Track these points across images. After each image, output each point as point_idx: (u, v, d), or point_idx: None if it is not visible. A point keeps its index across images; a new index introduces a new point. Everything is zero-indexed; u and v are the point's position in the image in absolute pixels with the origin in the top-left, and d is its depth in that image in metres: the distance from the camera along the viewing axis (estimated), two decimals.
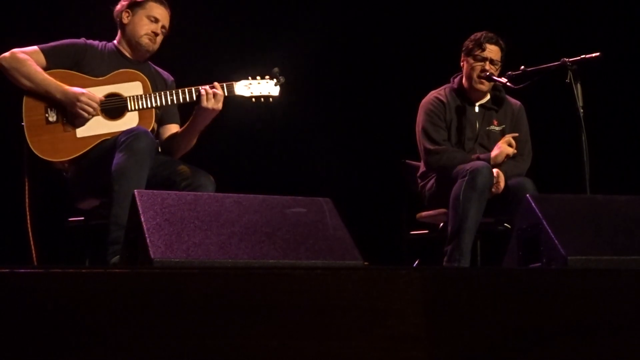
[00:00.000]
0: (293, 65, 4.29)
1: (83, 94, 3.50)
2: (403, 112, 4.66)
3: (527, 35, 5.35)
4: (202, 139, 3.76)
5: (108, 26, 3.79)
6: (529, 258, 2.81)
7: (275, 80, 3.72)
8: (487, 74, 4.17)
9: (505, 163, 4.05)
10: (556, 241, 2.64)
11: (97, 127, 3.53)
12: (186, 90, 3.60)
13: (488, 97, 4.31)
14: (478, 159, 4.04)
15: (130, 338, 2.02)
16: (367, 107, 5.68)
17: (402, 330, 2.21)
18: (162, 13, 3.74)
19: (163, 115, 3.75)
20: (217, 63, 4.97)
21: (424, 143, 4.20)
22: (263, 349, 2.10)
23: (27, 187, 3.53)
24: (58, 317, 1.98)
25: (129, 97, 3.58)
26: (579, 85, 3.80)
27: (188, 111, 3.69)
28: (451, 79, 4.37)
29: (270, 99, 3.73)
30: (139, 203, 2.42)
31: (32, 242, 3.48)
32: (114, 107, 3.57)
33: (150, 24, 3.71)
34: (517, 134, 4.13)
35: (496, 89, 4.30)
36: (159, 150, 3.64)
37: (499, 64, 4.24)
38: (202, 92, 3.57)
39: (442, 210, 4.13)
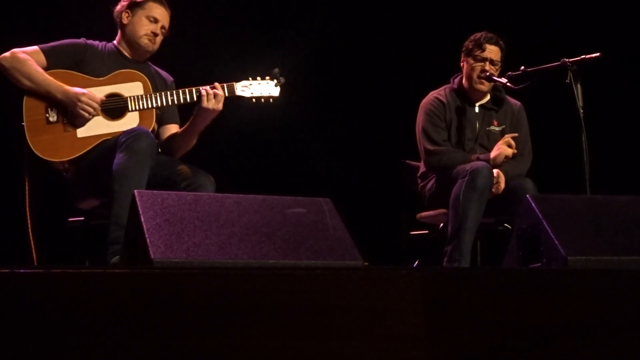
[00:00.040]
0: (293, 66, 4.29)
1: (84, 94, 3.50)
2: (403, 112, 4.66)
3: (527, 35, 5.35)
4: (202, 139, 3.76)
5: (108, 26, 3.79)
6: (529, 258, 2.81)
7: (275, 80, 3.73)
8: (487, 74, 4.17)
9: (505, 163, 4.05)
10: (556, 241, 2.65)
11: (98, 127, 3.53)
12: (187, 90, 3.60)
13: (488, 97, 4.31)
14: (478, 159, 4.04)
15: (130, 338, 2.02)
16: (367, 107, 5.68)
17: (402, 330, 2.21)
18: (161, 13, 3.74)
19: (163, 116, 3.75)
20: (218, 63, 4.97)
21: (424, 143, 4.20)
22: (263, 349, 2.10)
23: (27, 187, 3.53)
24: (58, 317, 1.99)
25: (130, 97, 3.58)
26: (579, 86, 3.80)
27: (188, 111, 3.69)
28: (451, 80, 4.37)
29: (271, 100, 3.73)
30: (139, 203, 2.42)
31: (32, 242, 3.48)
32: (114, 107, 3.57)
33: (150, 24, 3.71)
34: (516, 134, 4.13)
35: (496, 89, 4.30)
36: (159, 150, 3.64)
37: (499, 64, 4.24)
38: (203, 92, 3.58)
39: (442, 210, 4.13)
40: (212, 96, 3.57)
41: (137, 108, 3.57)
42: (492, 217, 4.11)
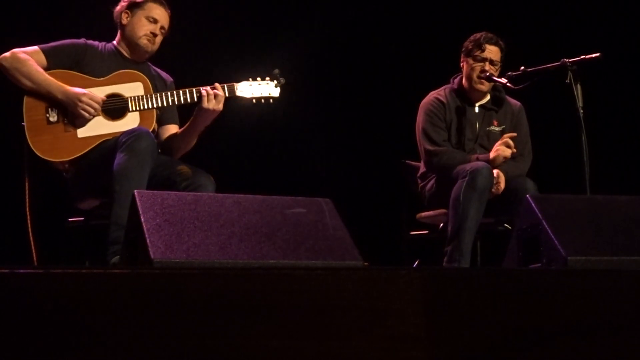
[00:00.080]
0: (293, 66, 4.29)
1: (84, 94, 3.50)
2: (403, 112, 4.65)
3: (527, 35, 5.35)
4: (202, 139, 3.76)
5: (108, 26, 3.79)
6: (529, 258, 2.81)
7: (275, 81, 3.73)
8: (487, 74, 4.17)
9: (505, 163, 4.05)
10: (556, 241, 2.65)
11: (98, 127, 3.53)
12: (187, 91, 3.60)
13: (488, 97, 4.31)
14: (477, 159, 4.04)
15: (130, 338, 2.02)
16: (367, 107, 5.68)
17: (402, 330, 2.21)
18: (161, 14, 3.74)
19: (162, 116, 3.75)
20: (218, 64, 4.97)
21: (424, 144, 4.20)
22: (263, 349, 2.10)
23: (27, 187, 3.53)
24: (58, 317, 1.99)
25: (130, 97, 3.58)
26: (578, 86, 3.80)
27: (187, 112, 3.69)
28: (451, 80, 4.37)
29: (271, 100, 3.73)
30: (139, 203, 2.42)
31: (32, 242, 3.48)
32: (115, 108, 3.57)
33: (149, 24, 3.71)
34: (514, 134, 4.12)
35: (496, 89, 4.30)
36: (159, 150, 3.64)
37: (499, 64, 4.24)
38: (203, 92, 3.58)
39: (442, 210, 4.13)
40: (213, 97, 3.57)
41: (138, 108, 3.57)
42: (492, 217, 4.11)
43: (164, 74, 3.87)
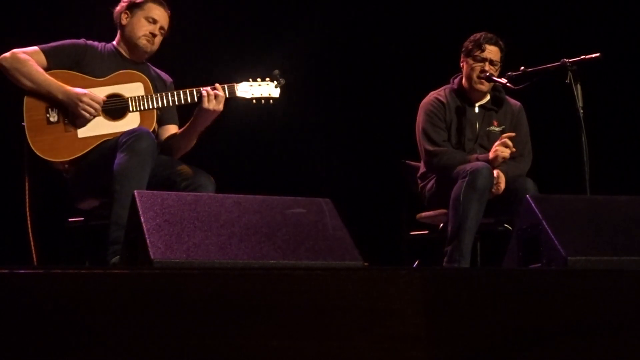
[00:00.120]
0: (293, 66, 4.29)
1: (85, 94, 3.51)
2: (403, 112, 4.66)
3: (527, 35, 5.35)
4: (202, 139, 3.76)
5: (108, 26, 3.79)
6: (529, 258, 2.81)
7: (275, 82, 3.73)
8: (487, 74, 4.17)
9: (505, 163, 4.05)
10: (556, 242, 2.65)
11: (99, 127, 3.54)
12: (187, 91, 3.61)
13: (488, 97, 4.31)
14: (477, 159, 4.04)
15: (130, 338, 2.02)
16: (367, 107, 5.68)
17: (402, 330, 2.21)
18: (160, 14, 3.74)
19: (162, 116, 3.75)
20: (218, 64, 4.97)
21: (424, 144, 4.20)
22: (263, 349, 2.11)
23: (27, 187, 3.53)
24: (58, 317, 1.99)
25: (131, 97, 3.58)
26: (578, 86, 3.80)
27: (187, 112, 3.69)
28: (451, 80, 4.37)
29: (271, 101, 3.74)
30: (138, 203, 2.42)
31: (32, 243, 3.48)
32: (115, 108, 3.58)
33: (148, 25, 3.71)
34: (513, 134, 4.12)
35: (496, 89, 4.30)
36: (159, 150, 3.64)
37: (499, 64, 4.24)
38: (204, 93, 3.58)
39: (442, 210, 4.13)
40: (213, 97, 3.57)
41: (138, 109, 3.57)
42: (492, 217, 4.11)
43: (163, 75, 3.87)
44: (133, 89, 3.61)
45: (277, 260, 2.39)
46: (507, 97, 4.35)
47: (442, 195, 4.03)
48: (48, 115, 3.52)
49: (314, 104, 5.49)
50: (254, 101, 3.70)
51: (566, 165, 4.16)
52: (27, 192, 3.51)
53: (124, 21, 3.73)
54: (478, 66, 4.19)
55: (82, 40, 3.71)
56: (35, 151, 3.47)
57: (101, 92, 3.56)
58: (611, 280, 2.46)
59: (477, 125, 4.23)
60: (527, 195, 2.91)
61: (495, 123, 4.27)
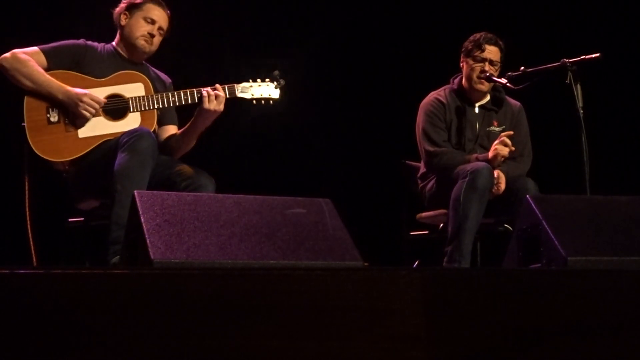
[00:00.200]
0: (293, 66, 4.29)
1: (85, 94, 3.51)
2: (403, 112, 4.65)
3: (527, 36, 5.34)
4: (202, 139, 3.76)
5: (108, 27, 3.80)
6: (529, 258, 2.81)
7: (275, 82, 3.74)
8: (487, 74, 4.17)
9: (505, 164, 4.05)
10: (556, 242, 2.64)
11: (99, 127, 3.54)
12: (188, 91, 3.61)
13: (488, 97, 4.31)
14: (477, 159, 4.04)
15: (130, 338, 2.02)
16: (367, 107, 5.68)
17: (402, 330, 2.21)
18: (159, 15, 3.74)
19: (161, 117, 3.75)
20: (218, 64, 4.97)
21: (424, 144, 4.20)
22: (263, 349, 2.11)
23: (27, 187, 3.53)
24: (58, 317, 1.99)
25: (131, 98, 3.58)
26: (578, 86, 3.80)
27: (187, 113, 3.69)
28: (451, 80, 4.37)
29: (271, 102, 3.74)
30: (139, 203, 2.42)
31: (32, 243, 3.48)
32: (116, 108, 3.58)
33: (147, 25, 3.71)
34: (511, 132, 4.11)
35: (496, 89, 4.30)
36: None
37: (499, 64, 4.24)
38: (204, 93, 3.58)
39: (442, 210, 4.13)
40: (214, 97, 3.58)
41: (139, 109, 3.58)
42: (493, 217, 4.11)
43: (162, 75, 3.88)
44: (133, 89, 3.61)
45: (277, 261, 2.39)
46: (507, 97, 4.35)
47: (442, 196, 4.03)
48: (48, 115, 3.52)
49: (314, 104, 5.49)
50: (254, 102, 3.71)
51: (566, 165, 4.16)
52: (27, 192, 3.51)
53: (123, 22, 3.73)
54: (478, 66, 4.19)
55: (81, 41, 3.71)
56: (36, 151, 3.47)
57: (102, 93, 3.57)
58: (611, 280, 2.46)
59: (477, 126, 4.23)
60: (527, 196, 2.90)
61: (496, 123, 4.27)
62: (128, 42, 3.73)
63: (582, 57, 3.87)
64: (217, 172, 3.59)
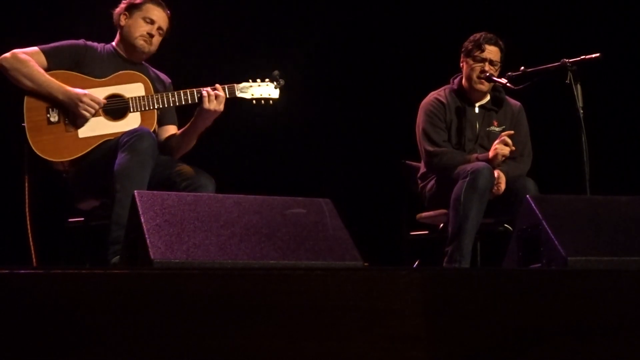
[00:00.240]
0: (293, 66, 4.29)
1: (85, 94, 3.51)
2: (403, 112, 4.66)
3: (527, 36, 5.35)
4: (202, 139, 3.77)
5: (108, 27, 3.80)
6: (529, 259, 2.81)
7: (275, 83, 3.74)
8: (487, 74, 4.17)
9: (505, 164, 4.05)
10: (556, 242, 2.64)
11: (99, 127, 3.54)
12: (188, 91, 3.61)
13: (488, 97, 4.31)
14: (477, 159, 4.04)
15: (130, 338, 2.02)
16: (367, 107, 5.68)
17: (402, 330, 2.21)
18: (158, 15, 3.74)
19: (161, 117, 3.75)
20: (218, 64, 4.97)
21: (424, 144, 4.20)
22: (263, 349, 2.11)
23: (27, 187, 3.53)
24: (58, 317, 1.99)
25: (131, 98, 3.58)
26: (578, 86, 3.80)
27: (186, 113, 3.69)
28: (451, 80, 4.37)
29: (271, 102, 3.74)
30: (139, 204, 2.42)
31: (32, 243, 3.48)
32: (116, 108, 3.58)
33: (146, 25, 3.71)
34: (512, 132, 4.12)
35: (496, 89, 4.30)
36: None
37: (499, 64, 4.24)
38: (204, 93, 3.58)
39: (443, 211, 4.13)
40: (214, 97, 3.58)
41: (139, 109, 3.58)
42: (493, 217, 4.11)
43: (162, 75, 3.88)
44: (133, 90, 3.61)
45: (277, 261, 2.39)
46: (507, 97, 4.35)
47: (443, 196, 4.03)
48: (49, 115, 3.52)
49: (314, 104, 5.49)
50: (254, 102, 3.71)
51: (566, 165, 4.16)
52: (27, 192, 3.51)
53: (122, 22, 3.74)
54: (478, 66, 4.19)
55: (81, 41, 3.72)
56: (36, 151, 3.47)
57: (102, 93, 3.57)
58: (611, 280, 2.46)
59: (477, 126, 4.23)
60: (527, 196, 2.90)
61: (496, 123, 4.27)
62: (127, 42, 3.73)
63: (582, 57, 3.87)
64: (217, 172, 3.59)
